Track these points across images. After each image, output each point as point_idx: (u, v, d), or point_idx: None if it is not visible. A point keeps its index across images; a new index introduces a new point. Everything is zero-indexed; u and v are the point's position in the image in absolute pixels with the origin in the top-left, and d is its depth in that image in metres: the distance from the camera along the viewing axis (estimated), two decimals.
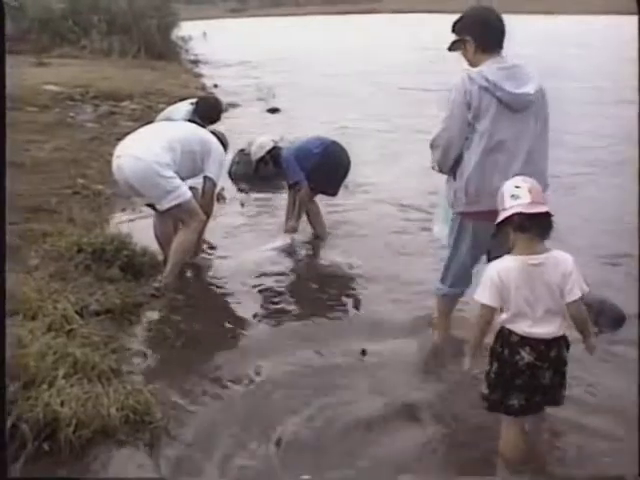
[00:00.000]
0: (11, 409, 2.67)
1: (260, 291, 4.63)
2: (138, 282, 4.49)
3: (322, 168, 5.36)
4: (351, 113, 11.23)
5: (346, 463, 2.80)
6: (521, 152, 3.30)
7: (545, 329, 2.53)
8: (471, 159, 3.32)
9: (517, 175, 2.82)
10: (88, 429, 2.75)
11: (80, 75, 12.83)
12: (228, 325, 4.17)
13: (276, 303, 4.45)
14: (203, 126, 5.03)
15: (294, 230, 5.48)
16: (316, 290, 4.70)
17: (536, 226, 2.51)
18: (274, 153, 5.53)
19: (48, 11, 18.39)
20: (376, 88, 14.24)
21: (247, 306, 4.37)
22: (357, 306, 4.43)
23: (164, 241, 4.80)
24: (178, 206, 4.45)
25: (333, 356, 3.72)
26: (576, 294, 2.51)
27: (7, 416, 2.45)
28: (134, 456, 2.78)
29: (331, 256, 5.30)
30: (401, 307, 4.30)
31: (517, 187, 2.56)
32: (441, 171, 3.53)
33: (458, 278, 3.62)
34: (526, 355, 2.53)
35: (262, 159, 5.61)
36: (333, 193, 5.66)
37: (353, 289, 4.70)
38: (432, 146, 3.49)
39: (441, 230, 3.80)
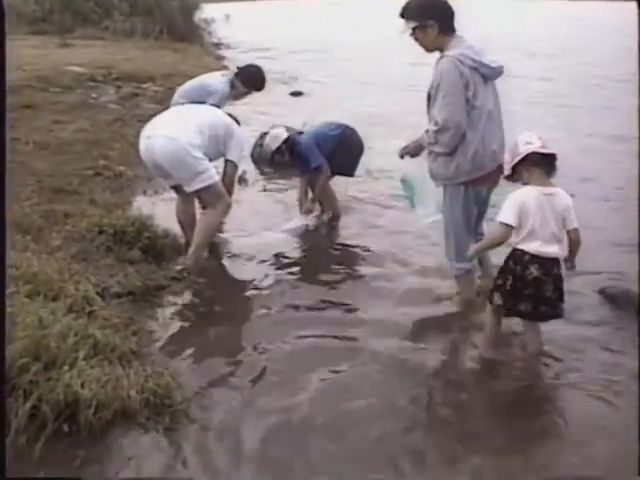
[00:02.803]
0: (32, 390, 2.67)
1: (280, 272, 4.60)
2: (159, 264, 4.48)
3: (340, 150, 5.49)
4: (377, 99, 11.11)
5: None
6: (499, 116, 3.73)
7: (551, 249, 3.16)
8: (476, 136, 3.59)
9: (500, 138, 3.66)
10: (108, 411, 2.74)
11: (102, 56, 12.83)
12: (249, 307, 4.14)
13: (297, 283, 4.43)
14: (218, 107, 5.02)
15: (311, 211, 5.61)
16: (335, 269, 4.67)
17: (546, 163, 3.17)
18: (289, 143, 5.52)
19: None
20: (401, 76, 14.05)
21: (268, 288, 4.35)
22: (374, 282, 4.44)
23: (187, 224, 4.79)
24: (206, 188, 4.43)
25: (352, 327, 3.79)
26: (575, 224, 3.18)
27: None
28: (154, 439, 2.76)
29: (348, 235, 5.33)
30: (417, 280, 4.39)
31: (530, 137, 3.19)
32: (413, 155, 3.95)
33: (464, 247, 3.81)
34: (535, 270, 3.14)
35: (278, 150, 5.57)
36: (351, 173, 5.73)
37: (371, 268, 4.67)
38: (443, 129, 3.59)
39: (423, 211, 4.16)
